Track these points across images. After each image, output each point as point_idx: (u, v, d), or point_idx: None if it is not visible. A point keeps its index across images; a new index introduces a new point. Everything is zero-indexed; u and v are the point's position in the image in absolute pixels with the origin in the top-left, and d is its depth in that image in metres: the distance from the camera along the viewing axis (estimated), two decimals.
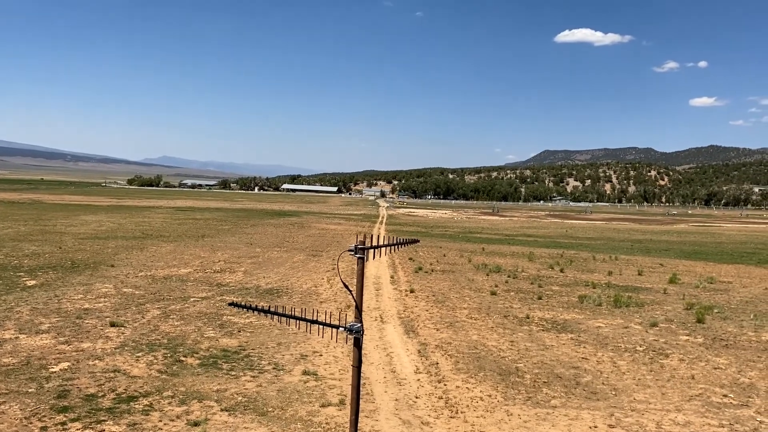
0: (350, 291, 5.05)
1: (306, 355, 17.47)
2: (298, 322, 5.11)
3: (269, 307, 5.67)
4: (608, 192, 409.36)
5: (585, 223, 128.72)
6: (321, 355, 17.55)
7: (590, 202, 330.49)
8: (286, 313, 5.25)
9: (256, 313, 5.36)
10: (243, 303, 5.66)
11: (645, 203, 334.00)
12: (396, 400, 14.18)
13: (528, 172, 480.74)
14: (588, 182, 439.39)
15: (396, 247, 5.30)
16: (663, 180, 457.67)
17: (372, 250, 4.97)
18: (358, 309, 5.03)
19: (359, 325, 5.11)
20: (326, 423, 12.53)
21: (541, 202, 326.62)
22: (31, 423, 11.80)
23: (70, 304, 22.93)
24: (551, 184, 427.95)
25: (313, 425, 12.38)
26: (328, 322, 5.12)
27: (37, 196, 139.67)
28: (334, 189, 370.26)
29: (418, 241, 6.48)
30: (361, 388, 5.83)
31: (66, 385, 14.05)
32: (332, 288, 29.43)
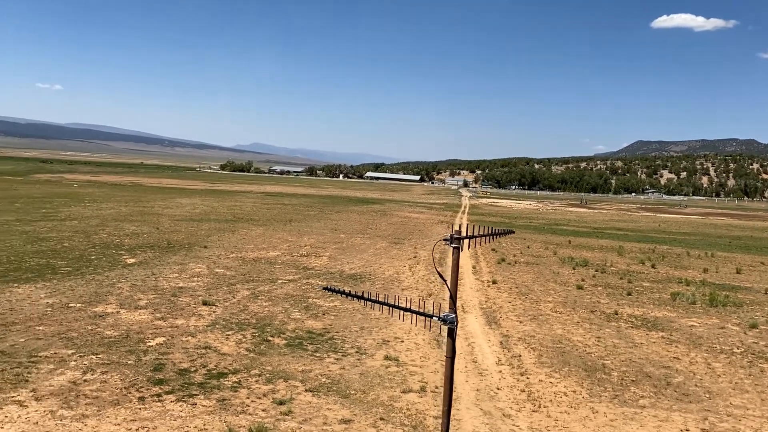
0: (445, 281, 5.03)
1: (388, 341, 17.65)
2: (391, 309, 5.14)
3: (361, 293, 5.75)
4: (705, 185, 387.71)
5: (679, 217, 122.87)
6: (402, 342, 17.68)
7: (685, 195, 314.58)
8: (380, 299, 5.29)
9: (348, 297, 5.45)
10: (336, 288, 5.76)
11: (745, 198, 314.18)
12: (477, 390, 14.10)
13: (619, 163, 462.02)
14: (683, 175, 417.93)
15: (491, 238, 5.22)
16: (766, 173, 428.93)
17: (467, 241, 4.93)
18: (453, 299, 5.01)
19: (453, 315, 5.09)
20: (407, 408, 12.63)
21: (633, 194, 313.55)
22: (130, 393, 12.57)
23: (166, 282, 24.18)
24: (644, 176, 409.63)
25: (394, 410, 12.52)
26: (421, 310, 5.13)
27: (137, 179, 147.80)
28: (417, 178, 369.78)
29: (514, 232, 6.37)
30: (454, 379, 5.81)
31: (161, 359, 14.86)
32: (414, 276, 29.54)
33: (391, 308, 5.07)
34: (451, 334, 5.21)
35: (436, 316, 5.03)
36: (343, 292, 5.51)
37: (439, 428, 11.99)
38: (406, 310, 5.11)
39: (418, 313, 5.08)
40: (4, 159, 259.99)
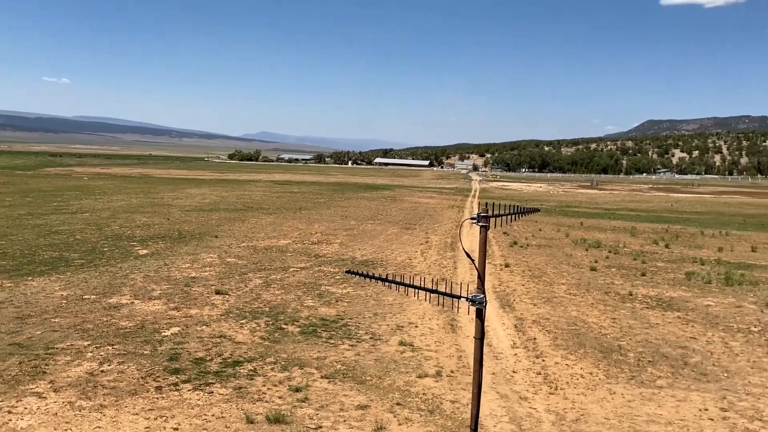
0: (473, 260, 4.94)
1: (402, 326, 17.62)
2: (417, 291, 5.06)
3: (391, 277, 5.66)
4: (718, 164, 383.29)
5: (692, 196, 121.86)
6: (416, 327, 17.65)
7: (697, 174, 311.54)
8: (405, 282, 5.20)
9: (372, 280, 5.37)
10: (359, 271, 5.68)
11: (759, 176, 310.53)
12: (493, 374, 14.04)
13: (630, 144, 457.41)
14: (695, 153, 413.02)
15: (516, 216, 5.13)
16: None
17: (494, 220, 4.83)
18: (481, 280, 4.91)
19: (482, 296, 4.99)
20: (423, 393, 12.61)
21: (644, 174, 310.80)
22: (147, 382, 12.62)
23: (179, 272, 24.25)
24: (655, 156, 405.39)
25: (410, 395, 12.49)
26: (448, 292, 5.04)
27: (146, 170, 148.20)
28: (426, 163, 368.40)
29: (539, 210, 6.28)
30: (479, 361, 5.73)
31: (177, 348, 14.90)
32: (426, 261, 29.48)
33: (417, 290, 4.99)
34: (480, 315, 5.12)
35: (464, 297, 4.93)
36: (365, 275, 5.44)
37: (456, 412, 11.96)
38: (432, 291, 5.03)
39: (445, 294, 4.99)
40: (15, 153, 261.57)
